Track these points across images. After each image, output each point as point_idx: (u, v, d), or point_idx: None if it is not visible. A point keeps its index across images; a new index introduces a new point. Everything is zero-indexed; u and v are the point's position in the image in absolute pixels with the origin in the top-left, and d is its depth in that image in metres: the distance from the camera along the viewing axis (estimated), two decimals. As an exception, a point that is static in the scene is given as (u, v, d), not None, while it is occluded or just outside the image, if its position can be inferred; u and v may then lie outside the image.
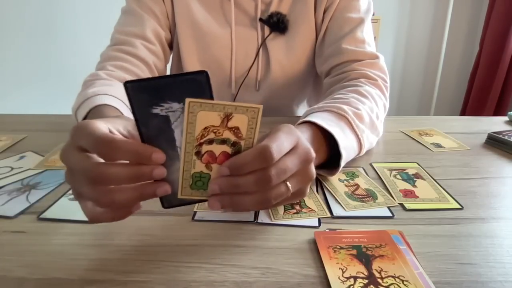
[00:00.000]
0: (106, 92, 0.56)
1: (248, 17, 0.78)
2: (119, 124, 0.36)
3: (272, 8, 0.76)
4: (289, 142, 0.36)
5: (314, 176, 0.39)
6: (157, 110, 0.31)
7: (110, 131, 0.34)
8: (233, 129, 0.33)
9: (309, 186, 0.40)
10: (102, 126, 0.33)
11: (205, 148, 0.33)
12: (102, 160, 0.32)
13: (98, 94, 0.55)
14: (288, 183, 0.36)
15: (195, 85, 0.31)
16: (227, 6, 0.76)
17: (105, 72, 0.65)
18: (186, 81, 0.31)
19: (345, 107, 0.53)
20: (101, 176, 0.31)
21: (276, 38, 0.77)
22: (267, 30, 0.77)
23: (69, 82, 1.17)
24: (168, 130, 0.32)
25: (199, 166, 0.34)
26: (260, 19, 0.76)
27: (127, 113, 0.53)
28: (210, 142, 0.33)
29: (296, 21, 0.76)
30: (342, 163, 0.48)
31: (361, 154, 0.55)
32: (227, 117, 0.32)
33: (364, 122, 0.54)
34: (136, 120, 0.32)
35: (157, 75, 0.76)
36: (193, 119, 0.31)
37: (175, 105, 0.31)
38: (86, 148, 0.32)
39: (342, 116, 0.52)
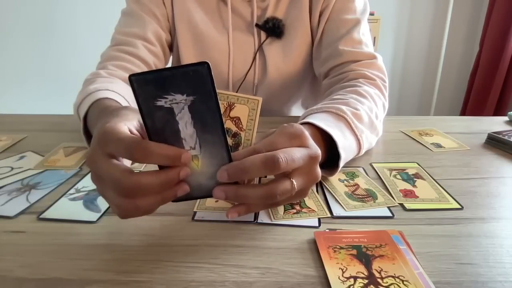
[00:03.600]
0: (107, 87, 0.57)
1: (244, 23, 0.78)
2: (132, 118, 0.37)
3: (268, 14, 0.76)
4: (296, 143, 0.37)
5: (319, 178, 0.39)
6: (161, 103, 0.31)
7: (130, 131, 0.35)
8: (234, 119, 0.34)
9: (311, 187, 0.40)
10: (124, 128, 0.34)
11: None
12: (129, 163, 0.32)
13: (100, 90, 0.56)
14: (293, 180, 0.36)
15: (197, 76, 0.31)
16: (224, 11, 0.77)
17: (106, 71, 0.66)
18: (188, 72, 0.31)
19: (343, 107, 0.53)
20: (134, 187, 0.32)
21: (273, 43, 0.77)
22: (263, 35, 0.77)
23: (69, 82, 1.17)
24: (173, 122, 0.32)
25: None
26: (256, 25, 0.76)
27: None
28: None
29: (292, 25, 0.76)
30: (341, 164, 0.48)
31: (360, 154, 0.55)
32: (230, 106, 0.33)
33: (363, 122, 0.54)
34: (142, 113, 0.32)
35: None
36: None
37: (179, 97, 0.31)
38: (116, 154, 0.33)
39: (340, 117, 0.52)
